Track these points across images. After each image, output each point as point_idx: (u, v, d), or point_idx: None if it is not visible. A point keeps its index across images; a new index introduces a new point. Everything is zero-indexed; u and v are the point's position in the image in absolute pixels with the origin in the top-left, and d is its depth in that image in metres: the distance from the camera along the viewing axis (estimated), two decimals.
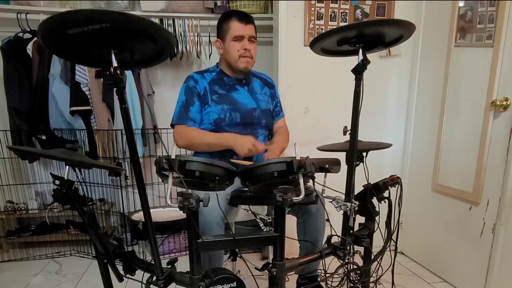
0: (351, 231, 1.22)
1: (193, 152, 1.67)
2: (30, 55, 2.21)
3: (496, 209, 1.62)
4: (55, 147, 1.06)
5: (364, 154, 1.31)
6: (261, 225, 1.30)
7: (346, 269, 1.24)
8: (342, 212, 1.19)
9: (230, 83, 1.62)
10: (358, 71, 1.06)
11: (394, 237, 1.37)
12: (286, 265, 1.04)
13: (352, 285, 1.28)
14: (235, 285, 1.04)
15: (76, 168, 1.03)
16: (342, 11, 2.11)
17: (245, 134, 1.57)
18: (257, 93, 1.66)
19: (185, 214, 0.93)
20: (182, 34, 2.41)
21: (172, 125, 1.58)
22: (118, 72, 0.86)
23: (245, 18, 1.53)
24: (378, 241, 1.36)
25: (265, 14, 2.48)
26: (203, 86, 1.57)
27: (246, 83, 1.65)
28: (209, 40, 2.52)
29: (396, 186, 1.33)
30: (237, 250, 1.74)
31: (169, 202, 0.91)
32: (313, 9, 2.07)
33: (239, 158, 1.48)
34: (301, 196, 0.98)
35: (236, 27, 1.52)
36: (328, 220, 1.24)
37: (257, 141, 1.46)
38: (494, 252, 1.64)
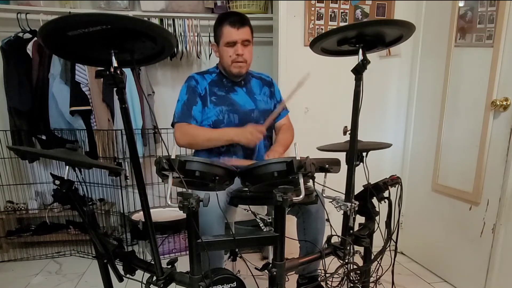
0: (351, 231, 1.22)
1: (193, 151, 1.67)
2: (30, 55, 2.21)
3: (496, 209, 1.61)
4: (55, 147, 1.06)
5: (364, 154, 1.31)
6: (261, 225, 1.30)
7: (346, 269, 1.24)
8: (342, 212, 1.19)
9: (229, 84, 1.62)
10: (358, 71, 1.06)
11: (394, 237, 1.38)
12: (286, 265, 1.04)
13: (352, 285, 1.28)
14: (235, 285, 1.04)
15: (76, 168, 1.03)
16: (342, 11, 2.11)
17: None
18: (255, 94, 1.66)
19: (185, 214, 0.93)
20: (182, 34, 2.41)
21: (173, 124, 1.57)
22: (118, 72, 0.86)
23: (238, 22, 1.49)
24: (378, 241, 1.36)
25: (265, 14, 2.48)
26: (204, 87, 1.57)
27: (244, 84, 1.65)
28: (209, 40, 2.52)
29: (396, 186, 1.33)
30: (237, 250, 1.74)
31: (169, 202, 0.91)
32: (313, 9, 2.07)
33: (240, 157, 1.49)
34: (301, 196, 0.98)
35: (228, 33, 1.50)
36: (328, 220, 1.24)
37: (256, 125, 1.48)
38: (494, 252, 1.64)
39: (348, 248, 1.19)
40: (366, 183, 1.29)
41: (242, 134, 1.45)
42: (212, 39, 2.50)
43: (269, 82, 1.74)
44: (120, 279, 1.12)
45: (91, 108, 2.26)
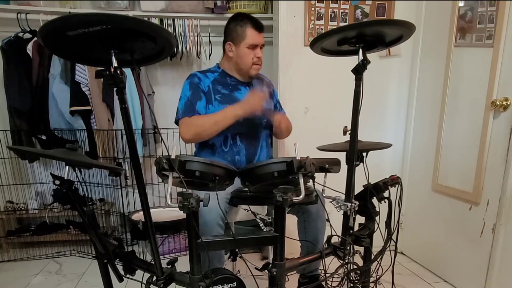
0: (351, 231, 1.22)
1: (193, 152, 1.67)
2: (30, 55, 2.21)
3: (496, 209, 1.61)
4: (55, 147, 1.06)
5: (364, 154, 1.31)
6: (261, 225, 1.30)
7: (346, 269, 1.24)
8: (342, 212, 1.19)
9: (233, 83, 1.62)
10: (358, 71, 1.06)
11: (394, 237, 1.38)
12: (286, 265, 1.04)
13: (352, 285, 1.28)
14: (235, 285, 1.04)
15: (76, 168, 1.03)
16: (342, 11, 2.11)
17: (247, 133, 1.57)
18: None
19: (185, 214, 0.93)
20: (182, 34, 2.41)
21: (177, 122, 1.54)
22: (118, 72, 0.86)
23: (261, 27, 1.55)
24: (378, 241, 1.36)
25: (265, 14, 2.48)
26: (207, 85, 1.58)
27: (248, 83, 1.65)
28: (209, 40, 2.52)
29: (396, 186, 1.33)
30: (237, 250, 1.74)
31: (169, 202, 0.91)
32: (313, 9, 2.07)
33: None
34: (301, 196, 0.98)
35: (252, 35, 1.53)
36: (328, 220, 1.24)
37: (253, 91, 1.51)
38: (494, 252, 1.64)
39: (348, 248, 1.19)
40: (366, 183, 1.29)
41: (246, 105, 1.45)
42: (212, 39, 2.52)
43: (268, 83, 1.76)
44: (120, 279, 1.12)
45: (91, 108, 2.26)
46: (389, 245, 1.36)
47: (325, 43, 1.12)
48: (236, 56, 1.57)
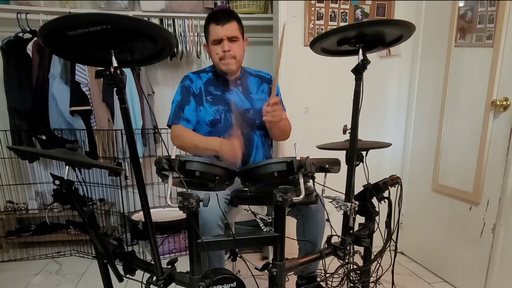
0: (351, 231, 1.22)
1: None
2: (30, 55, 2.21)
3: (496, 209, 1.61)
4: (55, 147, 1.06)
5: (364, 153, 1.31)
6: (261, 225, 1.30)
7: (346, 269, 1.24)
8: (342, 212, 1.19)
9: (224, 83, 1.61)
10: (358, 71, 1.06)
11: (394, 237, 1.37)
12: (286, 265, 1.04)
13: (352, 285, 1.28)
14: (235, 285, 1.04)
15: (76, 168, 1.03)
16: (342, 11, 2.11)
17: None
18: (252, 93, 1.64)
19: (185, 214, 0.93)
20: (182, 34, 2.41)
21: (169, 126, 1.58)
22: (118, 72, 0.86)
23: (222, 19, 1.46)
24: (378, 241, 1.36)
25: (265, 14, 2.49)
26: (199, 87, 1.58)
27: (240, 83, 1.63)
28: None
29: (396, 186, 1.33)
30: (237, 250, 1.74)
31: (169, 202, 0.91)
32: (313, 9, 2.07)
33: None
34: (301, 196, 0.98)
35: (213, 31, 1.49)
36: (328, 220, 1.24)
37: (240, 148, 1.36)
38: (494, 252, 1.64)
39: (348, 248, 1.19)
40: (366, 183, 1.29)
41: (226, 149, 1.34)
42: None
43: (268, 79, 1.71)
44: (120, 279, 1.12)
45: (91, 108, 2.26)
46: (389, 245, 1.36)
47: (325, 43, 1.12)
48: (209, 55, 1.58)
